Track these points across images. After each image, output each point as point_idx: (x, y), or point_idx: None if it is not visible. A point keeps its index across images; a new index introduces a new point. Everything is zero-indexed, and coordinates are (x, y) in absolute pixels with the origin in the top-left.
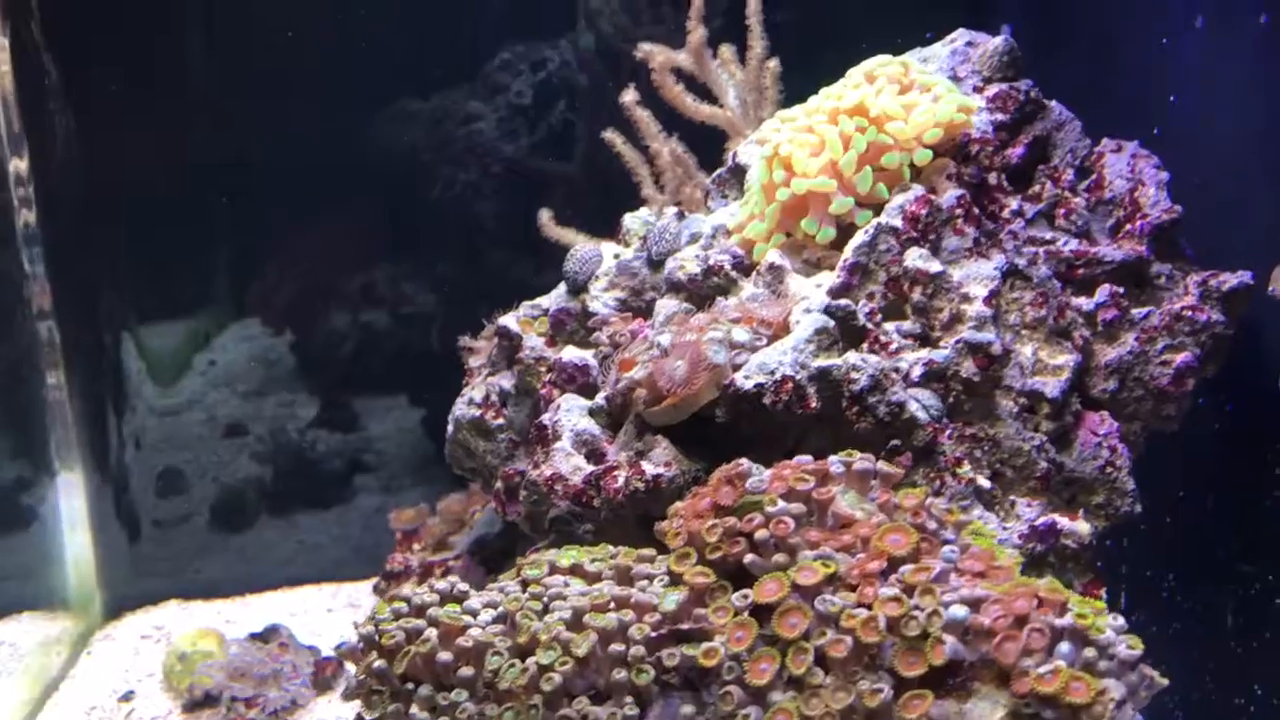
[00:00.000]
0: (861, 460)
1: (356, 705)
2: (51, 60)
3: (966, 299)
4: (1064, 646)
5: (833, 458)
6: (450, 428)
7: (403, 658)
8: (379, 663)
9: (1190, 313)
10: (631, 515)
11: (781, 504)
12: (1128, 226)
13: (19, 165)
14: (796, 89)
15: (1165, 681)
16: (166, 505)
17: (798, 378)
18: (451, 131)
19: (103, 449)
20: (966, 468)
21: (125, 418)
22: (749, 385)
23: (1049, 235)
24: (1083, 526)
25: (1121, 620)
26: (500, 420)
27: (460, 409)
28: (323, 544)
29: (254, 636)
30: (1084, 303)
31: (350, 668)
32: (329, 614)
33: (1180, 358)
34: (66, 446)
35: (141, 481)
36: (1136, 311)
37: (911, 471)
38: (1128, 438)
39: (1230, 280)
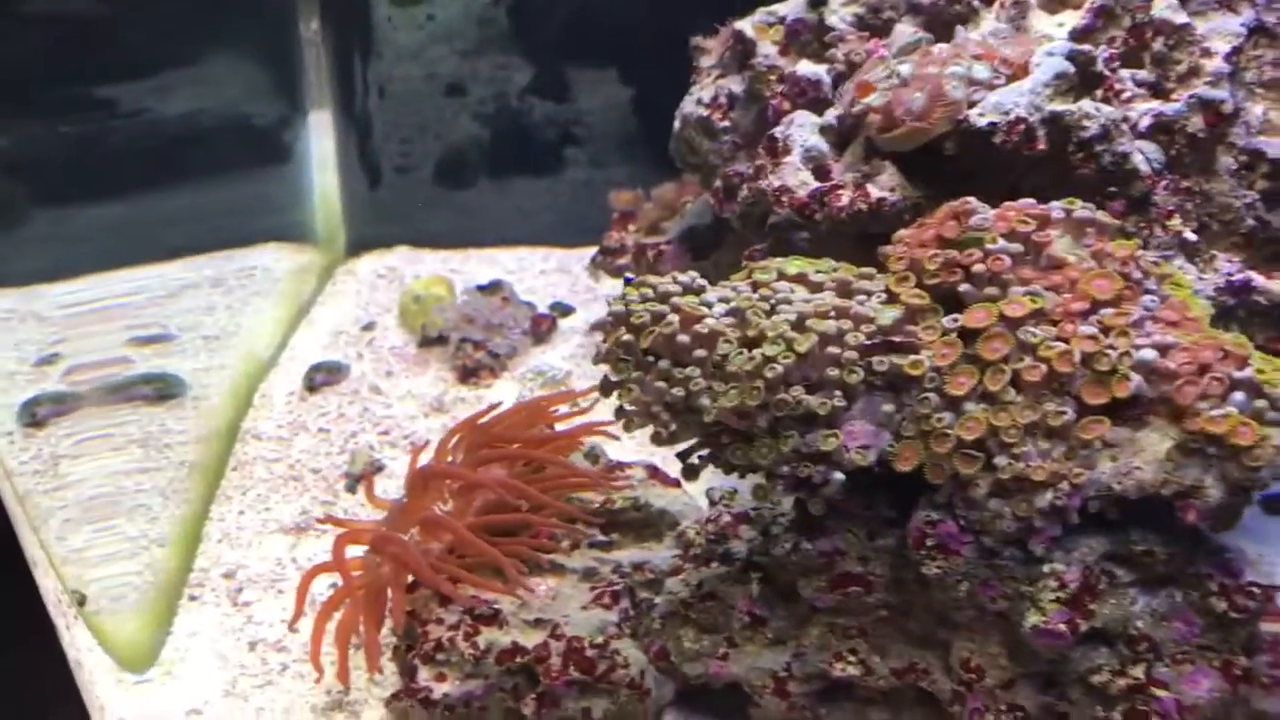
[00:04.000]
0: (1083, 209)
1: (589, 363)
2: None
3: (1207, 53)
4: (1238, 395)
5: (1054, 204)
6: (677, 124)
7: (647, 335)
8: (627, 337)
9: None
10: (851, 232)
11: (1002, 242)
12: None
13: None
14: None
15: None
16: (404, 154)
17: (1030, 120)
18: None
19: (349, 94)
20: (1176, 220)
21: (371, 65)
22: (983, 123)
23: None
24: (1276, 285)
25: None
26: (726, 122)
27: (688, 107)
28: (536, 210)
29: (480, 288)
30: None
31: (562, 324)
32: (542, 275)
33: None
34: (319, 88)
35: (384, 129)
36: None
37: (1123, 218)
38: None
39: None
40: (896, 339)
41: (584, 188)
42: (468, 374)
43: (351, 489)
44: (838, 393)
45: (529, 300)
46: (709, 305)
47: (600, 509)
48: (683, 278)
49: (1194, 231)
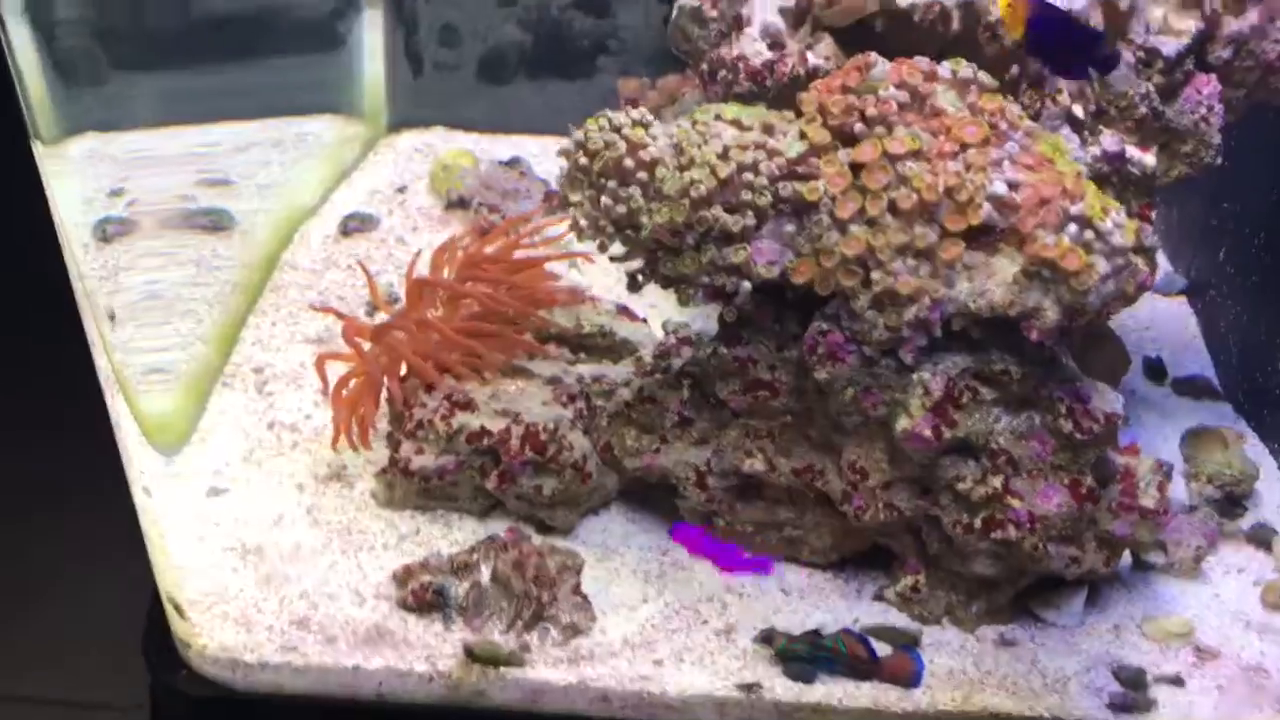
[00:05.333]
0: (966, 68)
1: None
2: None
3: None
4: (1071, 228)
5: (943, 63)
6: (675, 13)
7: (599, 159)
8: (583, 160)
9: None
10: (794, 95)
11: (892, 90)
12: None
13: None
14: None
15: (1146, 270)
16: (444, 52)
17: (945, 3)
18: None
19: None
20: (1065, 96)
21: None
22: (904, 3)
23: None
24: (1149, 159)
25: (1124, 218)
26: (715, 13)
27: None
28: (565, 108)
29: (501, 162)
30: None
31: None
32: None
33: None
34: None
35: (428, 29)
36: None
37: (1022, 93)
38: (1229, 102)
39: None
40: (801, 169)
41: (612, 94)
42: (483, 234)
43: (370, 314)
44: (750, 213)
45: (544, 178)
46: (654, 137)
47: (570, 332)
48: (634, 113)
49: (1090, 114)
